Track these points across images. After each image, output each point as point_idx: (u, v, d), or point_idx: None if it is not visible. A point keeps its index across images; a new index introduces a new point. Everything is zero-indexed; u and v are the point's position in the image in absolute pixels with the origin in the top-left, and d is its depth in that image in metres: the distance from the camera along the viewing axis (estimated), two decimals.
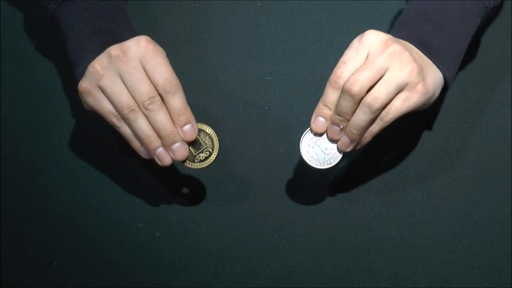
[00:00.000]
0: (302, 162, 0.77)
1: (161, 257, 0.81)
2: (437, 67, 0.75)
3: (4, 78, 0.89)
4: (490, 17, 0.84)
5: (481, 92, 0.86)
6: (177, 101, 0.72)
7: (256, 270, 0.80)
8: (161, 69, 0.72)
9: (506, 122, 0.85)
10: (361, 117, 0.72)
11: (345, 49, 0.74)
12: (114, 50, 0.72)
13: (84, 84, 0.74)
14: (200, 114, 0.86)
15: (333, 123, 0.74)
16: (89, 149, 0.85)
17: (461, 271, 0.79)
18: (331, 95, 0.73)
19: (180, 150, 0.74)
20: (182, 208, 0.83)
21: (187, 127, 0.73)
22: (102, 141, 0.85)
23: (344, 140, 0.74)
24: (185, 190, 0.84)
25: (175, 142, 0.73)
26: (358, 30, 0.75)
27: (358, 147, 0.75)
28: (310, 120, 0.75)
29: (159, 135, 0.73)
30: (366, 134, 0.74)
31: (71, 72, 0.77)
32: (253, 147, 0.85)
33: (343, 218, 0.82)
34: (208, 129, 0.76)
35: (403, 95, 0.72)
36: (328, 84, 0.73)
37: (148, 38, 0.74)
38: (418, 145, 0.84)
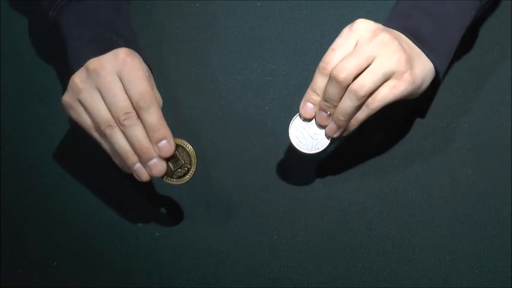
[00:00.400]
0: (291, 147, 0.77)
1: (161, 257, 0.81)
2: (429, 57, 0.76)
3: (4, 78, 0.89)
4: (485, 10, 0.84)
5: (481, 92, 0.86)
6: (151, 116, 0.71)
7: (256, 270, 0.80)
8: (136, 83, 0.71)
9: (506, 122, 0.85)
10: (347, 103, 0.73)
11: None
12: (91, 63, 0.72)
13: (66, 98, 0.74)
14: (200, 114, 0.86)
15: (321, 109, 0.75)
16: (89, 149, 0.85)
17: (461, 271, 0.79)
18: (319, 81, 0.74)
19: (157, 167, 0.73)
20: (182, 208, 0.83)
21: (162, 143, 0.72)
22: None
23: (331, 126, 0.75)
24: (185, 190, 0.83)
25: (152, 158, 0.72)
26: None
27: (345, 134, 0.76)
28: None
29: (135, 151, 0.72)
30: (352, 121, 0.75)
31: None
32: (253, 147, 0.85)
33: (343, 218, 0.82)
34: (186, 145, 0.75)
35: (390, 83, 0.73)
36: (317, 71, 0.74)
37: (127, 51, 0.73)
38: (418, 145, 0.84)
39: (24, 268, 0.81)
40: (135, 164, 0.73)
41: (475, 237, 0.80)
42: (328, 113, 0.74)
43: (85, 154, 0.85)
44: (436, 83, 0.79)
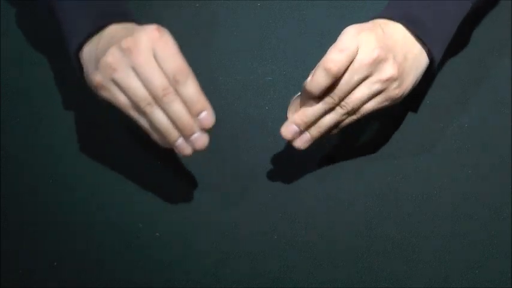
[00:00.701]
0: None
1: (161, 257, 0.81)
2: (428, 49, 0.76)
3: (4, 78, 0.89)
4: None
5: (481, 92, 0.86)
6: (189, 90, 0.71)
7: (256, 270, 0.80)
8: (171, 59, 0.71)
9: (506, 122, 0.85)
10: (331, 117, 0.75)
11: None
12: (125, 42, 0.71)
13: (97, 78, 0.72)
14: None
15: (297, 124, 0.75)
16: (89, 149, 0.85)
17: (461, 271, 0.79)
18: (321, 78, 0.73)
19: (199, 141, 0.72)
20: (182, 208, 0.83)
21: (203, 115, 0.72)
22: (102, 142, 0.85)
23: (305, 137, 0.76)
24: (185, 190, 0.84)
25: (194, 133, 0.72)
26: None
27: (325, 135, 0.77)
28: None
29: (176, 127, 0.72)
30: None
31: (66, 51, 0.77)
32: (253, 147, 0.85)
33: (343, 217, 0.82)
34: None
35: (378, 98, 0.74)
36: (320, 66, 0.73)
37: (158, 27, 0.72)
38: (417, 145, 0.84)
39: (24, 268, 0.81)
40: (177, 140, 0.72)
41: (475, 237, 0.80)
42: (302, 128, 0.76)
43: (85, 154, 0.85)
44: (431, 73, 0.79)
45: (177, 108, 0.71)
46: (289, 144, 0.84)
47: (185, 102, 0.71)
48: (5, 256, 0.81)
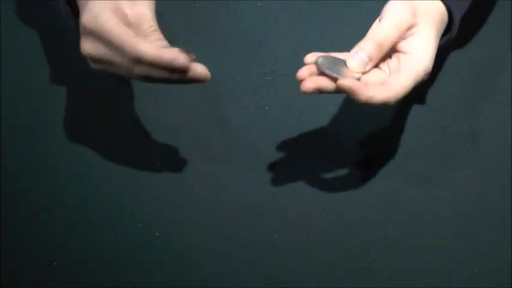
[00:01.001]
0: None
1: (161, 257, 0.81)
2: (452, 14, 0.75)
3: (4, 78, 0.89)
4: None
5: (481, 92, 0.86)
6: (143, 59, 0.69)
7: (256, 270, 0.80)
8: (107, 42, 0.70)
9: (506, 122, 0.85)
10: None
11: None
12: (81, 49, 0.71)
13: (92, 67, 0.73)
14: (200, 114, 0.86)
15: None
16: (89, 150, 0.85)
17: (461, 271, 0.79)
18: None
19: (196, 74, 0.70)
20: (182, 209, 0.83)
21: (175, 64, 0.69)
22: (102, 142, 0.85)
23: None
24: (185, 190, 0.84)
25: (184, 78, 0.70)
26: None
27: None
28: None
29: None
30: None
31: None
32: (253, 148, 0.85)
33: (343, 218, 0.82)
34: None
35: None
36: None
37: (81, 21, 0.71)
38: (418, 145, 0.84)
39: (24, 268, 0.81)
40: (179, 79, 0.71)
41: (475, 237, 0.80)
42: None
43: (85, 154, 0.85)
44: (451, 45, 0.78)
45: (152, 74, 0.70)
46: (289, 144, 0.84)
47: (152, 66, 0.69)
48: (5, 256, 0.81)
